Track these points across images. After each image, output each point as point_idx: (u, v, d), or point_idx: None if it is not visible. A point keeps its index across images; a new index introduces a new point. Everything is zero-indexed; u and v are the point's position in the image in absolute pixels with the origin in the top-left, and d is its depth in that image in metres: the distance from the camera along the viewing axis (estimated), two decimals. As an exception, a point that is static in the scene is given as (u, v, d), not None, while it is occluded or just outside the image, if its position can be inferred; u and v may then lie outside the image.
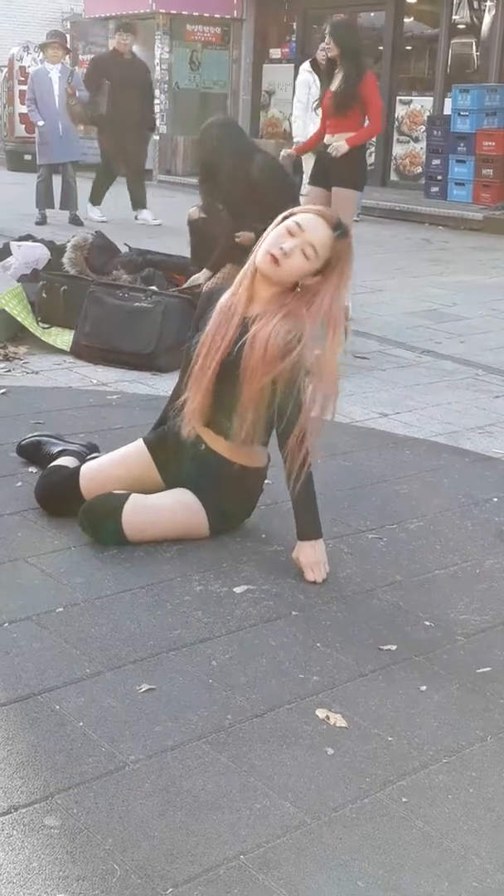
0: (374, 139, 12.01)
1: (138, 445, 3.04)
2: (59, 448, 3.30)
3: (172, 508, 2.89)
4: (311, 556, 2.76)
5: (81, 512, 2.87)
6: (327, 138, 6.17)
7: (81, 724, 2.05)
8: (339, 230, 2.75)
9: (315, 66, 9.52)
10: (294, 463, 2.71)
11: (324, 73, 6.73)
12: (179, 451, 2.93)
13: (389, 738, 2.08)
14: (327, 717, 2.12)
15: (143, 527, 2.85)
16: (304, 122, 9.48)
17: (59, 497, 3.01)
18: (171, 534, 2.89)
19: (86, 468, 3.03)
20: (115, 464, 3.02)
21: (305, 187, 6.34)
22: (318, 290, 2.75)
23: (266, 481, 3.01)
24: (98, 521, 2.85)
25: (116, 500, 2.86)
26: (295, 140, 9.00)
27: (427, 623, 2.57)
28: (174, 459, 2.95)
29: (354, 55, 6.00)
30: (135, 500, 2.86)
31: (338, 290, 2.75)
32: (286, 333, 2.69)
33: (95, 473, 3.00)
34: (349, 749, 2.03)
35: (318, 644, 2.43)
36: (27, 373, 4.78)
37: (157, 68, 15.85)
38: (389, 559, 2.94)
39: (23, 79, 14.66)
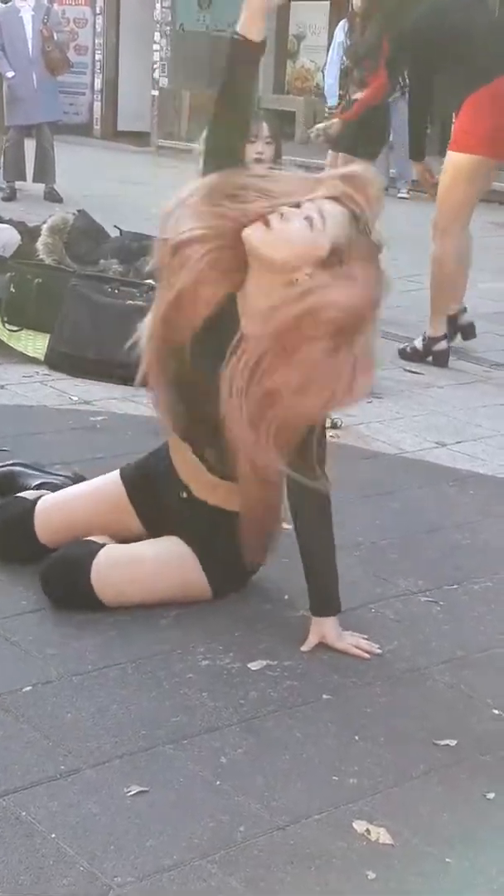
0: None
1: (113, 479, 3.05)
2: (39, 481, 3.33)
3: (157, 562, 2.88)
4: (340, 633, 2.77)
5: (43, 570, 2.88)
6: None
7: (54, 835, 2.05)
8: (365, 228, 2.63)
9: (351, 20, 9.73)
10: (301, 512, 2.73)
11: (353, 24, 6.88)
12: (162, 493, 2.94)
13: (447, 860, 2.06)
14: (368, 832, 2.11)
15: (120, 587, 2.84)
16: (336, 86, 9.70)
17: (14, 539, 3.03)
18: (158, 596, 2.87)
19: (44, 504, 3.04)
20: (81, 500, 3.03)
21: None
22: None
23: (285, 526, 2.99)
24: (62, 580, 2.83)
25: (84, 550, 2.86)
26: (328, 107, 9.10)
27: (496, 712, 2.56)
28: (157, 501, 2.96)
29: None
30: (109, 552, 2.86)
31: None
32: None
33: (54, 511, 3.01)
34: (396, 872, 2.02)
35: (357, 737, 2.42)
36: (-10, 387, 4.82)
37: (158, 6, 16.07)
38: (448, 629, 2.93)
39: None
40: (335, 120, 6.64)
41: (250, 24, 2.75)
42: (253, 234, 2.61)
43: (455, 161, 5.50)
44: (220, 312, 2.68)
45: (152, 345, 2.75)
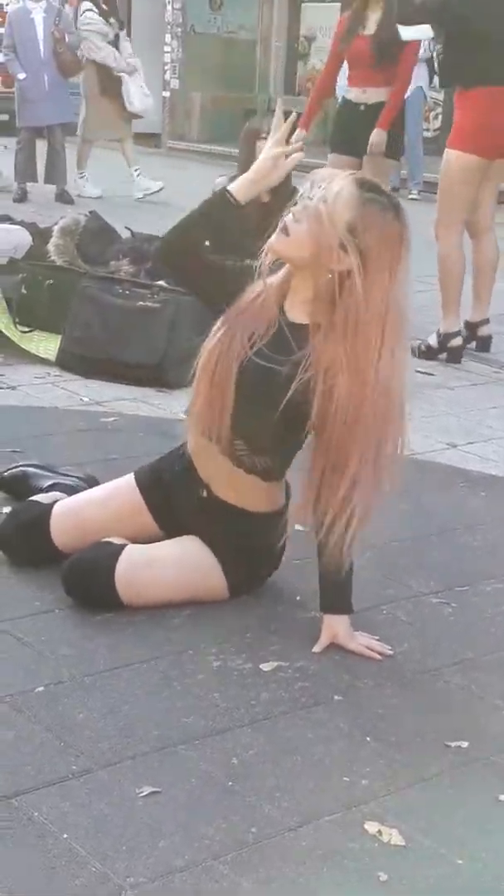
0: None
1: (128, 482, 3.06)
2: (51, 481, 3.33)
3: (178, 563, 2.90)
4: (352, 633, 2.76)
5: (66, 569, 2.89)
6: (355, 93, 6.38)
7: (66, 836, 2.05)
8: (372, 191, 2.65)
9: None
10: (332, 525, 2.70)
11: (353, 9, 6.73)
12: (179, 494, 2.95)
13: (459, 861, 2.06)
14: (380, 833, 2.11)
15: (140, 588, 2.85)
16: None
17: (29, 543, 3.04)
18: (177, 596, 2.89)
19: (60, 508, 3.05)
20: (96, 505, 3.04)
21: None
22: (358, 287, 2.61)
23: (298, 527, 2.97)
24: (85, 582, 2.85)
25: (106, 552, 2.87)
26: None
27: (507, 713, 2.57)
28: (174, 503, 2.97)
29: None
30: (131, 553, 2.87)
31: (388, 285, 2.63)
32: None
33: (70, 516, 3.02)
34: (407, 874, 2.02)
35: (368, 738, 2.42)
36: (1, 388, 4.83)
37: (169, 7, 16.06)
38: (459, 630, 2.93)
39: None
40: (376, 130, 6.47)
41: (249, 191, 2.84)
42: (276, 244, 2.68)
43: (449, 158, 5.58)
44: (274, 333, 2.74)
45: (209, 353, 2.78)
